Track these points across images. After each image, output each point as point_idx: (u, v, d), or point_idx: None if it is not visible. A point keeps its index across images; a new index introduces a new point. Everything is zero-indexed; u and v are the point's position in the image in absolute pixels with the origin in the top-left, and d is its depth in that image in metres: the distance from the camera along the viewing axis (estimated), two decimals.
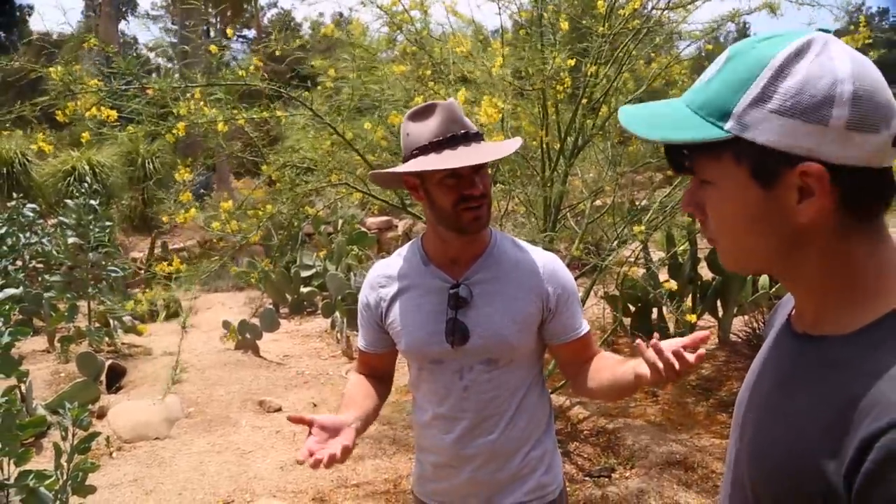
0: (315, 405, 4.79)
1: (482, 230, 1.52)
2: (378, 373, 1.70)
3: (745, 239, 0.74)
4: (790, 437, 0.70)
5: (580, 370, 1.57)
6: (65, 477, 2.99)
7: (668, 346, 1.22)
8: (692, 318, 3.24)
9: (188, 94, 2.80)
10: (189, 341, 6.18)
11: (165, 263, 3.07)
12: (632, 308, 5.81)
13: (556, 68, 2.83)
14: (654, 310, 5.70)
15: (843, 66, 0.66)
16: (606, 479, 3.35)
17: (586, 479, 3.38)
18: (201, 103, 2.79)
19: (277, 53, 3.39)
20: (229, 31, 3.30)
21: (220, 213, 3.09)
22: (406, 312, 1.58)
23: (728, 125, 0.69)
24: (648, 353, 1.23)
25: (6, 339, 3.02)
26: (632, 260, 4.07)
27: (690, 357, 1.18)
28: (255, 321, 6.10)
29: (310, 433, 1.32)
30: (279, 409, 4.69)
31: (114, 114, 2.74)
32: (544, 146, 3.36)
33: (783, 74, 0.67)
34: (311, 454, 1.25)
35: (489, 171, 1.56)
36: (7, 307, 2.98)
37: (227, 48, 3.20)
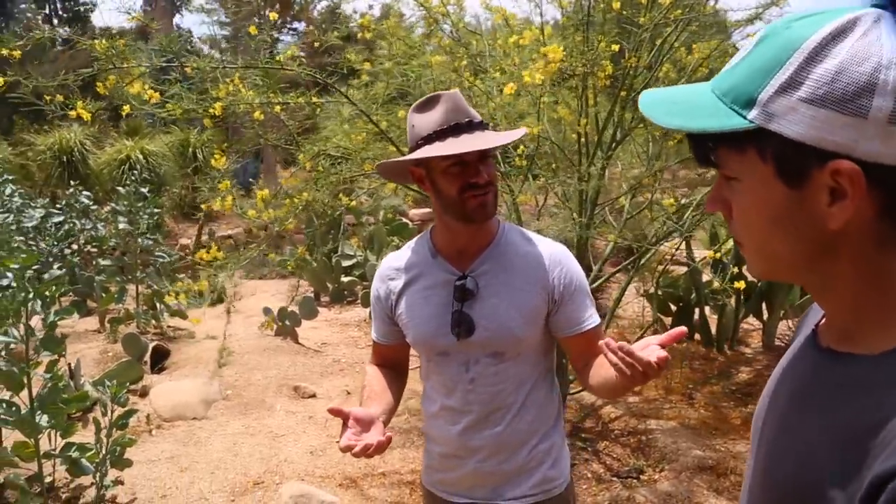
0: (349, 393, 4.84)
1: (489, 218, 1.52)
2: (392, 363, 1.72)
3: (771, 243, 0.66)
4: (800, 460, 0.65)
5: (587, 365, 1.55)
6: (104, 450, 3.10)
7: (641, 344, 1.20)
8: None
9: (227, 78, 2.86)
10: (231, 326, 6.35)
11: (205, 251, 3.14)
12: (672, 307, 5.69)
13: (599, 53, 2.77)
14: (697, 310, 5.58)
15: (892, 47, 0.56)
16: (635, 481, 3.30)
17: (614, 479, 3.33)
18: (240, 87, 2.85)
19: (316, 44, 3.43)
20: (272, 15, 3.33)
21: (257, 202, 3.15)
22: (413, 305, 1.59)
23: (752, 114, 0.61)
24: (609, 354, 1.21)
25: (52, 318, 3.16)
26: (670, 257, 3.96)
27: (653, 357, 1.16)
28: (295, 309, 6.21)
29: (344, 424, 1.35)
30: (313, 396, 4.76)
31: (156, 95, 2.82)
32: (582, 138, 3.31)
33: (818, 58, 0.58)
34: (350, 447, 1.29)
35: (495, 161, 1.55)
36: (52, 288, 3.11)
37: (269, 34, 3.23)
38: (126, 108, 2.79)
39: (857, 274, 0.63)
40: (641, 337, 4.89)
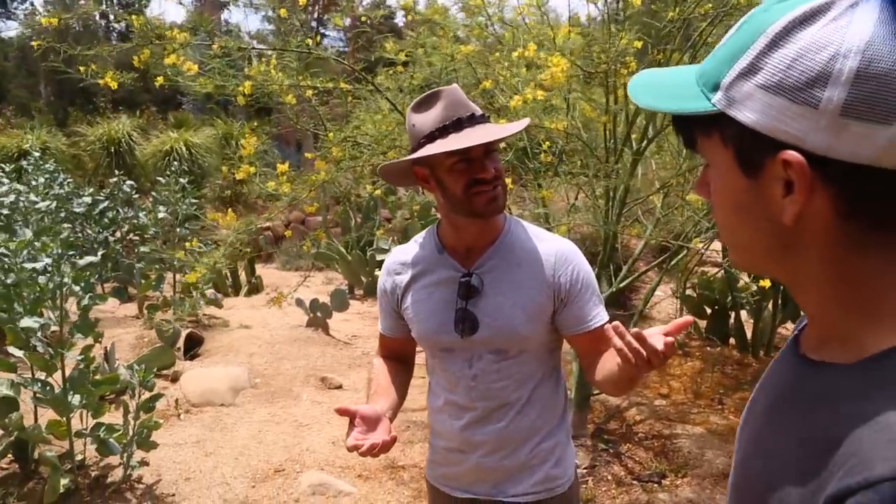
0: None
1: (499, 213, 1.50)
2: (399, 356, 1.72)
3: (737, 233, 0.64)
4: (767, 474, 0.62)
5: (594, 363, 1.52)
6: (131, 432, 3.20)
7: (647, 334, 1.16)
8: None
9: (262, 58, 2.91)
10: (263, 316, 6.46)
11: (220, 215, 3.19)
12: (707, 310, 5.57)
13: (623, 49, 2.72)
14: (732, 314, 5.44)
15: (858, 35, 0.52)
16: (656, 486, 3.23)
17: (634, 482, 3.27)
18: (272, 69, 2.89)
19: (358, 39, 3.46)
20: (302, 0, 3.38)
21: (278, 175, 3.18)
22: (419, 301, 1.59)
23: (715, 98, 0.59)
24: (614, 339, 1.17)
25: (86, 302, 3.26)
26: (700, 256, 3.87)
27: (659, 344, 1.12)
28: (326, 300, 6.29)
29: (351, 423, 1.36)
30: (340, 387, 4.82)
31: (194, 67, 2.88)
32: (607, 134, 3.25)
33: (780, 43, 0.55)
34: (357, 447, 1.31)
35: (499, 153, 1.53)
36: (87, 273, 3.21)
37: (299, 19, 3.28)
38: (159, 79, 2.86)
39: (828, 276, 0.60)
40: (678, 342, 4.81)
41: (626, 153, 3.50)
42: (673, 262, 3.87)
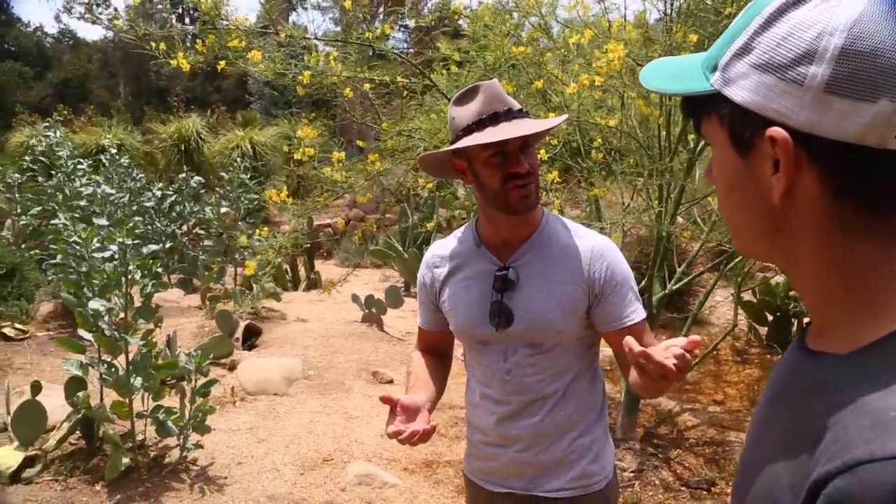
0: None
1: (531, 209, 1.51)
2: (437, 349, 1.74)
3: (735, 214, 0.65)
4: (763, 466, 0.61)
5: (628, 361, 1.50)
6: (187, 416, 3.34)
7: (664, 345, 1.16)
8: None
9: (322, 51, 2.99)
10: (321, 311, 6.62)
11: (275, 192, 3.27)
12: (769, 317, 5.37)
13: (678, 43, 2.66)
14: (795, 321, 5.23)
15: (846, 14, 0.53)
16: (704, 492, 3.15)
17: (682, 489, 3.19)
18: (331, 60, 2.97)
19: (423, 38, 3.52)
20: None
21: (333, 163, 3.25)
22: (456, 294, 1.60)
23: (713, 78, 0.61)
24: (629, 354, 1.18)
25: (148, 289, 3.42)
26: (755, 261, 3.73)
27: (669, 361, 1.13)
28: (382, 297, 6.39)
29: (392, 412, 1.39)
30: (391, 381, 4.88)
31: (258, 54, 2.98)
32: (661, 132, 3.19)
33: (773, 23, 0.57)
34: (398, 433, 1.33)
35: (536, 151, 1.53)
36: (150, 262, 3.37)
37: (363, 12, 3.36)
38: (221, 63, 2.96)
39: (821, 262, 0.59)
40: (737, 349, 4.65)
41: (683, 153, 3.42)
42: (729, 266, 3.76)
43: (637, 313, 1.53)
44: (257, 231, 3.50)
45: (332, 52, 3.18)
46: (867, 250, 0.57)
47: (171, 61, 2.90)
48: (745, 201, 0.62)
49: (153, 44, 2.94)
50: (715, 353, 4.99)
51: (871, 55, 0.52)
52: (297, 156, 3.19)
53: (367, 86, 3.29)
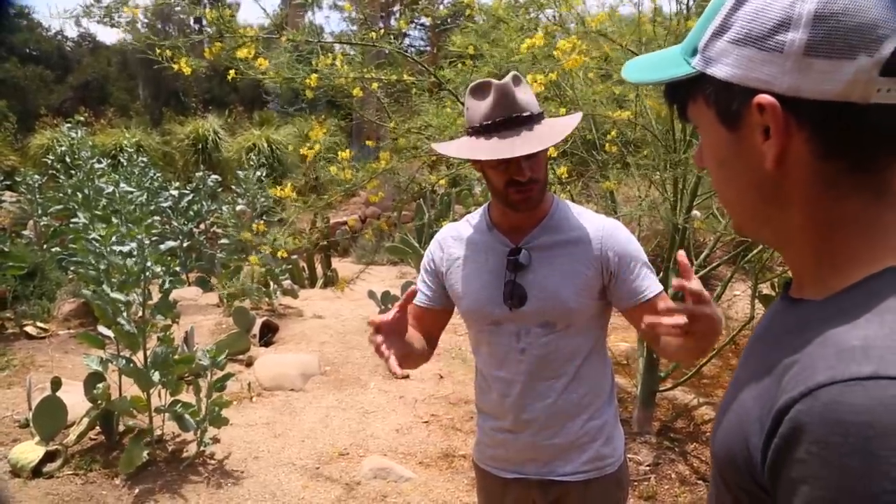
0: (441, 377, 4.92)
1: (533, 209, 1.54)
2: (426, 332, 1.68)
3: (727, 190, 0.67)
4: (735, 406, 0.63)
5: (656, 336, 1.50)
6: (203, 410, 3.37)
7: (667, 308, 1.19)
8: None
9: (327, 52, 3.01)
10: (337, 308, 6.64)
11: (279, 188, 3.29)
12: None
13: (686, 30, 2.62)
14: None
15: None
16: None
17: (699, 482, 3.17)
18: (338, 62, 2.98)
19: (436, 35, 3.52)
20: None
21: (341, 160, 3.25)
22: (468, 275, 1.61)
23: (694, 61, 0.63)
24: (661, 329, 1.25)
25: (166, 285, 3.46)
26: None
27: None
28: (397, 293, 6.40)
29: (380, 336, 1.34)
30: (406, 377, 4.88)
31: (265, 62, 3.00)
32: (675, 123, 3.16)
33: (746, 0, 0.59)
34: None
35: (544, 155, 1.53)
36: (167, 257, 3.41)
37: (376, 21, 3.38)
38: (231, 72, 2.99)
39: (809, 221, 0.61)
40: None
41: (698, 145, 3.38)
42: (746, 258, 3.71)
43: (654, 286, 1.54)
44: (254, 226, 3.53)
45: (338, 54, 3.19)
46: (856, 209, 0.59)
47: (174, 66, 2.94)
48: (737, 174, 0.64)
49: (157, 50, 2.98)
50: (734, 346, 4.93)
51: (844, 15, 0.54)
52: (303, 151, 3.21)
53: (375, 85, 3.30)
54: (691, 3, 3.14)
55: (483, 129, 1.46)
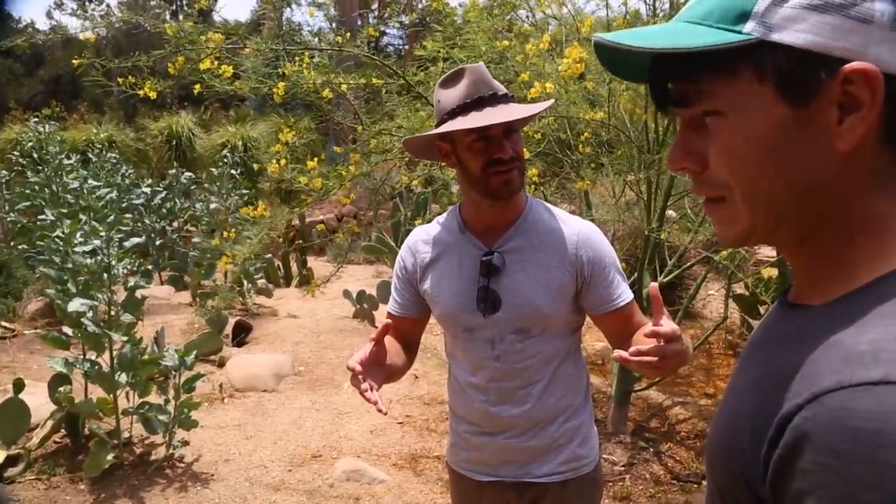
0: (416, 377, 4.89)
1: (514, 195, 1.49)
2: (404, 338, 1.67)
3: (761, 182, 0.57)
4: (732, 414, 0.60)
5: (624, 344, 1.48)
6: (172, 411, 3.30)
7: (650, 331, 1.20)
8: None
9: (295, 58, 2.96)
10: (312, 307, 6.57)
11: (251, 207, 3.24)
12: (762, 310, 5.35)
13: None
14: None
15: None
16: (695, 486, 3.13)
17: (673, 482, 3.17)
18: (304, 68, 2.93)
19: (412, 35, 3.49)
20: None
21: (309, 171, 3.21)
22: (441, 279, 1.58)
23: (748, 27, 0.54)
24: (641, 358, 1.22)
25: (131, 283, 3.38)
26: (745, 252, 3.71)
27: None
28: (373, 292, 6.35)
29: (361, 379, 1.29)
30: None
31: (229, 69, 2.95)
32: (649, 123, 3.16)
33: None
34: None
35: (521, 136, 1.51)
36: (132, 254, 3.33)
37: (350, 25, 3.35)
38: (197, 87, 2.93)
39: (844, 215, 0.56)
40: (729, 342, 4.61)
41: (668, 144, 3.39)
42: (718, 258, 3.73)
43: (626, 294, 1.53)
44: (224, 233, 3.47)
45: (305, 58, 3.13)
46: (884, 207, 0.55)
47: (140, 92, 2.88)
48: (794, 161, 0.56)
49: (120, 80, 2.93)
50: (707, 346, 4.97)
51: None
52: (271, 169, 3.15)
53: (344, 87, 3.25)
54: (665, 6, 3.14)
55: (460, 110, 1.43)
